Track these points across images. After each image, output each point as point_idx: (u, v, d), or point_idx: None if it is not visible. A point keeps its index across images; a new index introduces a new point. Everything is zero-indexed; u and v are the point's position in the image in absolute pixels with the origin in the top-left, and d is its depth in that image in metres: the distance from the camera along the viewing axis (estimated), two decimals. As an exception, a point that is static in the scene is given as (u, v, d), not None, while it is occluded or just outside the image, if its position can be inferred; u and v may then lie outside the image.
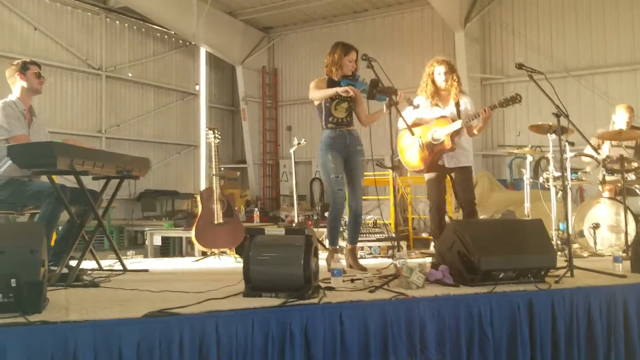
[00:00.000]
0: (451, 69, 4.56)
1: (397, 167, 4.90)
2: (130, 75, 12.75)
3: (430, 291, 3.05)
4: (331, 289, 3.06)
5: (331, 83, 4.11)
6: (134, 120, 12.88)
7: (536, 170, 13.32)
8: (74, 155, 3.17)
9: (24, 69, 3.80)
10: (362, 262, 4.27)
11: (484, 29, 12.85)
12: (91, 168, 3.32)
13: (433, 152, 4.45)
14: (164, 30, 13.39)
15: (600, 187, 5.39)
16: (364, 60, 3.74)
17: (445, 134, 4.40)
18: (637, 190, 5.12)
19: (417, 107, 4.06)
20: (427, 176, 4.65)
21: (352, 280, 3.32)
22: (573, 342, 3.19)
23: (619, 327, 3.32)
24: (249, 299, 2.80)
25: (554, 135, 5.07)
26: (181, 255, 7.94)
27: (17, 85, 3.81)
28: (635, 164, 4.85)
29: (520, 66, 3.84)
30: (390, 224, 10.63)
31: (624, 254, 3.96)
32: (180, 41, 14.07)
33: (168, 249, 8.40)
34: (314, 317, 2.70)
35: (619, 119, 5.49)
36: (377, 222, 5.43)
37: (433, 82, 4.54)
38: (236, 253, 4.67)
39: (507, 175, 12.50)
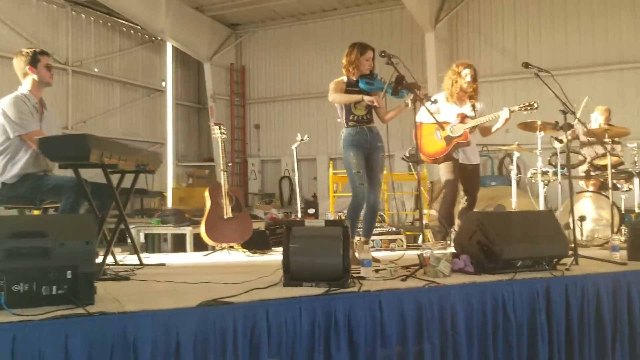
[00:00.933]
0: (475, 74, 4.89)
1: (413, 156, 5.07)
2: (96, 70, 12.48)
3: (458, 279, 3.19)
4: (362, 278, 3.15)
5: (350, 83, 4.23)
6: (100, 117, 12.60)
7: (500, 167, 13.84)
8: (104, 148, 3.14)
9: (34, 60, 3.71)
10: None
11: (452, 30, 13.19)
12: (117, 161, 3.30)
13: (451, 144, 4.72)
14: (131, 24, 13.16)
15: (582, 183, 5.68)
16: (383, 57, 3.85)
17: (464, 128, 4.70)
18: (618, 185, 5.42)
19: (435, 102, 4.20)
20: (444, 166, 4.85)
21: (377, 271, 3.42)
22: (584, 325, 3.39)
23: (623, 311, 3.55)
24: (290, 289, 2.87)
25: (542, 133, 5.32)
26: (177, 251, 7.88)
27: (27, 78, 3.73)
28: (620, 159, 5.15)
29: (527, 65, 4.04)
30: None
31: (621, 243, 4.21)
32: (146, 36, 13.86)
33: (147, 246, 8.31)
34: (356, 304, 2.80)
35: (596, 119, 5.85)
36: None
37: (460, 82, 4.84)
38: (244, 247, 4.70)
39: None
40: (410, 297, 2.93)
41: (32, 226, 2.40)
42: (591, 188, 5.59)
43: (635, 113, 10.97)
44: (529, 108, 4.54)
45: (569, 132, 5.48)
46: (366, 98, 4.08)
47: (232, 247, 4.66)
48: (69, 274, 2.37)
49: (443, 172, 4.88)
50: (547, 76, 4.02)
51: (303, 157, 14.69)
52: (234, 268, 3.86)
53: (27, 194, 3.54)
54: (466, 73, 4.83)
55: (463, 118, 4.75)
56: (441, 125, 4.26)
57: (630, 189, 5.35)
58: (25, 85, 3.74)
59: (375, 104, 4.04)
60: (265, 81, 15.18)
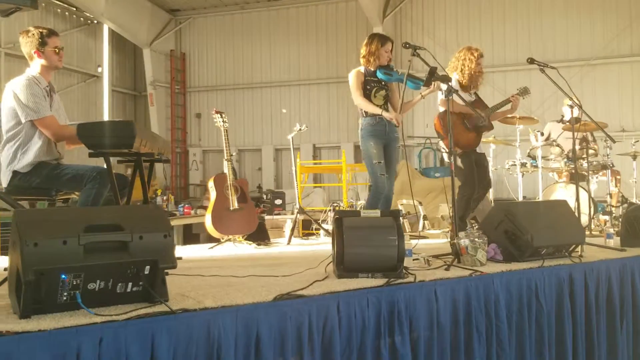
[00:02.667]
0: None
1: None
2: (29, 53, 11.68)
3: (494, 267, 3.27)
4: (406, 268, 3.17)
5: (369, 73, 4.26)
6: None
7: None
8: (142, 135, 2.96)
9: (42, 44, 3.42)
10: None
11: (396, 26, 13.44)
12: (150, 150, 3.12)
13: (479, 134, 4.73)
14: (65, 6, 12.46)
15: (555, 174, 5.99)
16: (407, 48, 3.87)
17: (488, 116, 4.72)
18: (590, 175, 5.77)
19: (456, 92, 4.22)
20: (465, 160, 4.72)
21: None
22: (600, 307, 3.59)
23: (629, 293, 3.80)
24: (347, 280, 2.83)
25: (521, 126, 5.55)
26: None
27: (35, 61, 3.44)
28: (595, 147, 5.47)
29: (532, 61, 4.19)
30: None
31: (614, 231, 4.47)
32: (82, 19, 13.15)
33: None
34: (414, 294, 2.81)
35: (568, 112, 6.11)
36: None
37: (474, 69, 4.77)
38: (249, 240, 4.57)
39: (416, 164, 13.23)
40: (461, 286, 2.99)
41: (106, 219, 2.22)
42: (564, 179, 5.90)
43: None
44: (524, 93, 4.64)
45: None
46: (385, 115, 4.19)
47: (229, 239, 4.52)
48: (147, 270, 2.22)
49: (465, 165, 4.73)
50: (550, 71, 4.16)
51: (247, 148, 14.56)
52: (258, 260, 3.75)
53: (42, 184, 3.27)
54: (480, 62, 4.80)
55: (479, 105, 4.74)
56: (478, 113, 4.32)
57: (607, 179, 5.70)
58: (34, 67, 3.45)
59: (399, 124, 4.12)
60: (207, 69, 14.83)
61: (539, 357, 3.28)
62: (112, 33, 13.60)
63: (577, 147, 5.58)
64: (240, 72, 14.60)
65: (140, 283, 2.25)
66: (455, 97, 4.67)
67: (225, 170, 4.67)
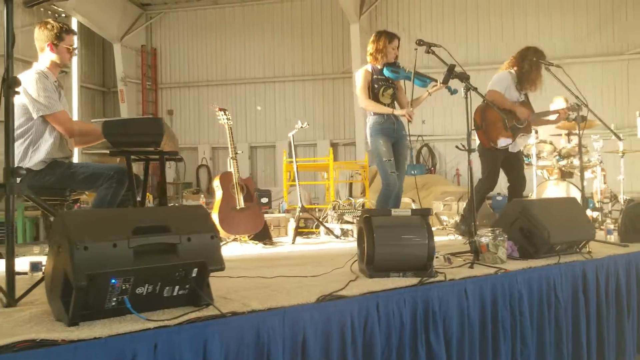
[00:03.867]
0: None
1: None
2: (-5, 47, 11.25)
3: (515, 265, 3.30)
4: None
5: (376, 71, 4.23)
6: (-1, 99, 11.40)
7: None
8: (167, 133, 2.87)
9: (58, 39, 3.29)
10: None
11: (372, 24, 13.49)
12: (172, 148, 3.03)
13: (515, 135, 4.70)
14: (34, -1, 12.01)
15: (545, 172, 6.10)
16: (421, 45, 3.86)
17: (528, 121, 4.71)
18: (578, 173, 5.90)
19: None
20: (492, 155, 4.71)
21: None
22: (610, 301, 3.68)
23: (633, 287, 3.91)
24: (381, 280, 2.81)
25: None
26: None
27: (45, 55, 3.31)
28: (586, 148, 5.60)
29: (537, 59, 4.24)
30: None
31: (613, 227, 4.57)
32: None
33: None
34: (447, 293, 2.82)
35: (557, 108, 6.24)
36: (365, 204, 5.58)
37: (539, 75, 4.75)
38: (255, 239, 4.49)
39: (408, 161, 13.34)
40: (488, 284, 3.01)
41: (153, 220, 2.14)
42: (555, 176, 6.02)
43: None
44: (573, 110, 4.59)
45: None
46: (397, 112, 4.18)
47: (235, 239, 4.43)
48: (194, 272, 2.16)
49: (492, 162, 4.70)
50: (557, 70, 4.24)
51: (222, 146, 14.39)
52: (276, 261, 3.67)
53: (57, 183, 3.13)
54: (539, 66, 4.74)
55: (525, 106, 4.73)
56: (515, 116, 4.34)
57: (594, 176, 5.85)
58: (43, 62, 3.31)
59: (408, 117, 4.12)
60: (179, 65, 14.59)
61: (557, 351, 3.33)
62: (81, 28, 13.22)
63: (569, 145, 5.71)
64: (214, 69, 14.42)
65: (187, 286, 2.18)
66: (507, 92, 4.64)
67: (230, 169, 4.58)
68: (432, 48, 3.81)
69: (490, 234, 3.31)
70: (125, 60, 13.80)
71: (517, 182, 4.83)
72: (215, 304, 2.26)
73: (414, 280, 2.79)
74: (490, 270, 3.13)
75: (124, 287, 2.01)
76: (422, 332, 2.69)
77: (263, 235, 4.58)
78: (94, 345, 1.84)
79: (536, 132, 5.69)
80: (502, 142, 4.62)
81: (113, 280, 1.98)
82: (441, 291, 2.79)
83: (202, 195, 11.57)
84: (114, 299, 2.01)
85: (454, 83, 3.94)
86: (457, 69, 3.70)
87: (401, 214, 2.94)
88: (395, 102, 4.44)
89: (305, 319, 2.31)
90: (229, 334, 2.11)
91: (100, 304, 2.01)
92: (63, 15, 12.84)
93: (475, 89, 3.72)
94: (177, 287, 2.16)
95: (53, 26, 3.33)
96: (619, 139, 4.95)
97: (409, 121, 4.24)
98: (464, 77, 3.57)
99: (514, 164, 4.84)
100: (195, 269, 2.16)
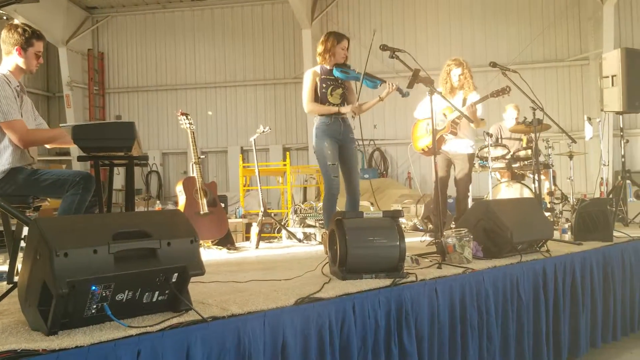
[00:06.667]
0: (464, 70, 4.97)
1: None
2: None
3: (481, 264, 3.40)
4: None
5: (324, 71, 4.24)
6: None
7: (370, 161, 14.57)
8: (137, 137, 2.81)
9: (26, 44, 3.19)
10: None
11: (323, 29, 13.59)
12: (137, 153, 2.97)
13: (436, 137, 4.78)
14: (-28, -1, 11.54)
15: (497, 174, 6.30)
16: (385, 50, 3.91)
17: (447, 121, 4.86)
18: (529, 174, 6.13)
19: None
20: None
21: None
22: (565, 296, 3.83)
23: (587, 282, 4.08)
24: (352, 282, 2.84)
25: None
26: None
27: (11, 58, 3.19)
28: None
29: (494, 64, 4.39)
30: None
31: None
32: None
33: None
34: (418, 293, 2.88)
35: (509, 116, 6.48)
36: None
37: (450, 79, 4.90)
38: (218, 245, 4.44)
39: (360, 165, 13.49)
40: (457, 284, 3.09)
41: (132, 225, 2.10)
42: (506, 179, 6.23)
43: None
44: (501, 93, 4.75)
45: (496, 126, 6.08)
46: (342, 109, 4.18)
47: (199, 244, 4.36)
48: (174, 277, 2.13)
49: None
50: (512, 75, 4.39)
51: (171, 151, 14.17)
52: (245, 265, 3.65)
53: (18, 191, 3.01)
54: (456, 73, 4.96)
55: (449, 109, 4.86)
56: (460, 110, 4.44)
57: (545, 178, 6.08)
58: (7, 65, 3.19)
59: (354, 114, 4.13)
60: (127, 70, 14.29)
61: (519, 346, 3.45)
62: (24, 29, 12.76)
63: (522, 149, 5.92)
64: (163, 73, 14.19)
65: (167, 292, 2.15)
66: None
67: (193, 174, 4.52)
68: (396, 53, 3.87)
69: (456, 235, 3.39)
70: (71, 64, 13.40)
71: (459, 187, 5.04)
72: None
73: (387, 282, 2.83)
74: (458, 270, 3.21)
75: (104, 294, 1.97)
76: (395, 331, 2.74)
77: (226, 241, 4.54)
78: (76, 353, 1.80)
79: (490, 135, 5.87)
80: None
81: (93, 287, 1.94)
82: (413, 291, 2.85)
83: (158, 202, 11.34)
84: (94, 306, 1.97)
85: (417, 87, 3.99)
86: (422, 74, 3.77)
87: (372, 216, 2.99)
88: (345, 102, 4.37)
89: (285, 322, 2.32)
90: (210, 338, 2.09)
91: (80, 312, 1.96)
92: (4, 17, 12.37)
93: (439, 93, 3.81)
94: (157, 293, 2.13)
95: (25, 30, 3.23)
96: (574, 141, 5.17)
97: (353, 117, 4.21)
98: (428, 82, 3.65)
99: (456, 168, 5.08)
100: (176, 274, 2.14)
